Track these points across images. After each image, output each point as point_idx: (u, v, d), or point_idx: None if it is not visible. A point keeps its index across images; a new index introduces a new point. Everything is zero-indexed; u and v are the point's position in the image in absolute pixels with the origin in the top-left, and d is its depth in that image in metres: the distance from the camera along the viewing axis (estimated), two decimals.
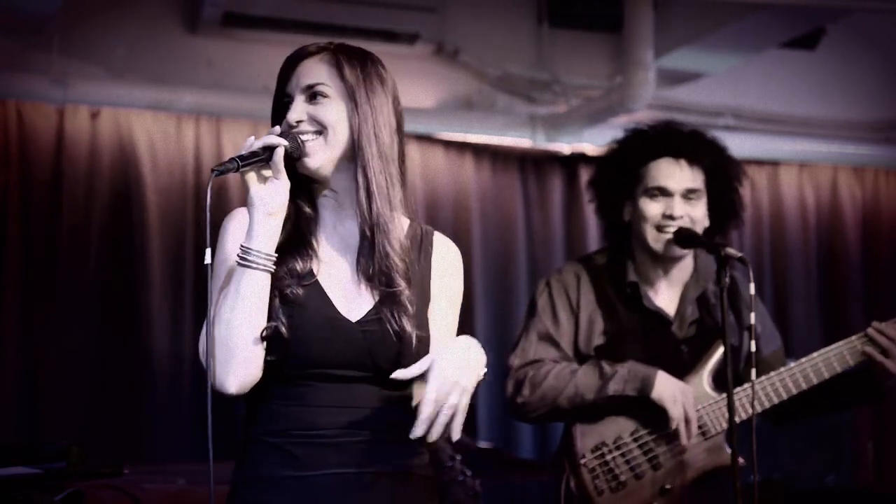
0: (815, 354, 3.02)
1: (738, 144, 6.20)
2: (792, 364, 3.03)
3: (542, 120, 5.87)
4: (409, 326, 2.01)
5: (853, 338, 3.02)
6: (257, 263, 1.95)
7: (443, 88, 5.88)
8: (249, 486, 2.03)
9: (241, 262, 1.95)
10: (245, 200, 1.99)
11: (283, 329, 1.96)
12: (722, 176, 3.12)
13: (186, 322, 5.23)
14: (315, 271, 2.03)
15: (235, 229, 2.04)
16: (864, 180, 6.63)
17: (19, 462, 2.76)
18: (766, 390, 2.99)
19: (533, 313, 3.14)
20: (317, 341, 1.97)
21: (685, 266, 3.13)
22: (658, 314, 3.08)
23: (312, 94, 2.04)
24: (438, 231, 2.21)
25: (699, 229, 3.06)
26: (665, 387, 2.92)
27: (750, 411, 2.92)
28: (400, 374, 1.91)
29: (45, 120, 5.18)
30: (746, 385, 2.96)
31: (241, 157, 1.94)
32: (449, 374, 1.88)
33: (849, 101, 6.47)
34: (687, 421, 2.91)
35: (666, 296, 3.12)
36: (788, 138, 6.36)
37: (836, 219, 6.54)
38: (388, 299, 2.02)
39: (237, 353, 1.93)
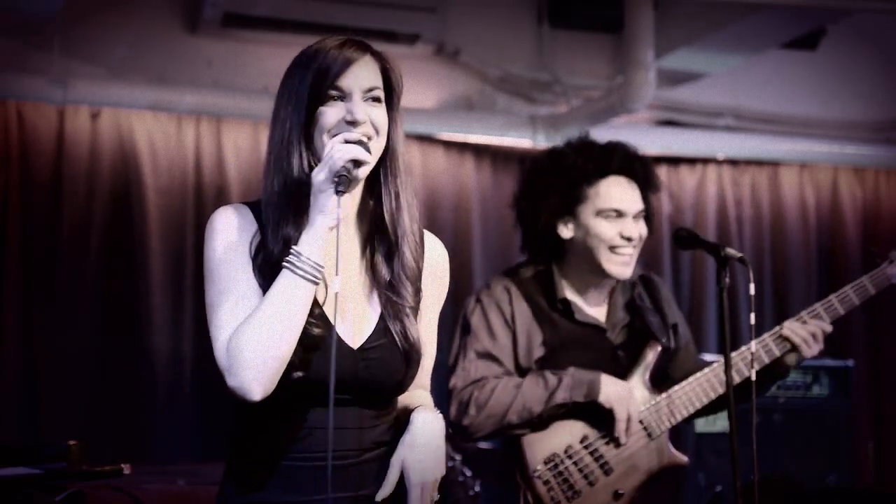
0: (742, 348, 3.10)
1: (739, 144, 6.29)
2: (715, 364, 3.10)
3: (542, 120, 5.87)
4: (415, 341, 2.01)
5: (767, 334, 3.12)
6: (311, 274, 1.90)
7: (443, 89, 5.88)
8: None
9: (294, 270, 1.89)
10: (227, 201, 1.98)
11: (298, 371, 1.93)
12: (652, 190, 3.21)
13: (186, 322, 5.23)
14: (320, 300, 1.98)
15: (225, 228, 2.00)
16: (865, 181, 6.63)
17: (20, 462, 2.76)
18: (703, 387, 3.07)
19: (467, 331, 3.11)
20: (320, 372, 1.93)
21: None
22: (592, 325, 3.13)
23: (372, 97, 2.00)
24: (437, 232, 2.21)
25: (641, 245, 3.14)
26: (611, 389, 2.97)
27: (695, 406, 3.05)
28: (380, 495, 2.00)
29: (46, 120, 5.18)
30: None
31: (348, 171, 1.89)
32: (425, 476, 1.99)
33: (849, 101, 6.47)
34: (629, 420, 2.97)
35: (597, 305, 3.17)
36: (789, 138, 6.36)
37: (836, 219, 6.54)
38: (393, 312, 2.01)
39: (274, 364, 1.88)
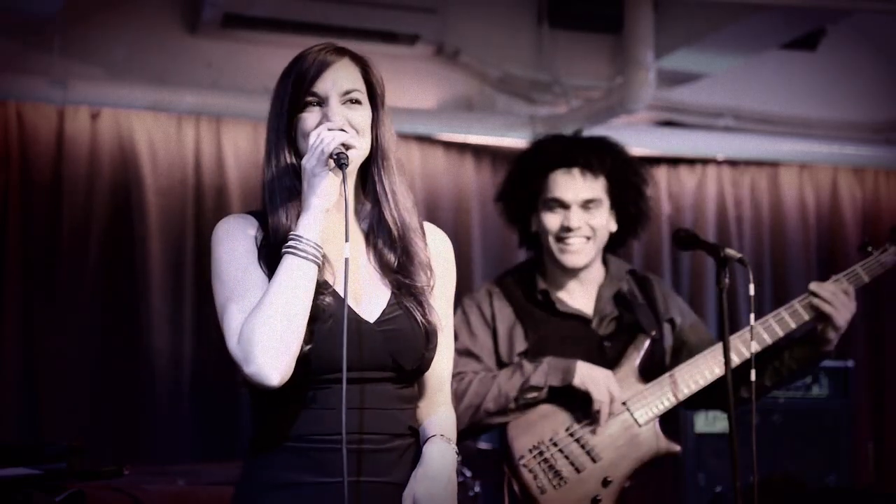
0: (768, 316, 3.05)
1: (739, 145, 6.29)
2: (706, 351, 3.06)
3: (542, 121, 5.87)
4: (430, 314, 2.06)
5: (795, 300, 3.05)
6: (311, 255, 1.96)
7: (443, 89, 5.88)
8: (265, 492, 2.02)
9: (296, 252, 1.95)
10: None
11: (309, 344, 1.97)
12: (622, 181, 3.17)
13: (186, 323, 5.22)
14: (330, 281, 2.04)
15: (229, 234, 2.04)
16: (865, 181, 6.63)
17: (20, 462, 2.76)
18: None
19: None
20: (340, 348, 1.95)
21: (595, 270, 3.20)
22: (576, 315, 3.14)
23: (350, 100, 2.06)
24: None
25: (602, 236, 3.13)
26: (586, 371, 2.97)
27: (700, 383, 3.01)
28: None
29: (46, 121, 5.18)
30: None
31: (340, 152, 1.97)
32: None
33: (849, 101, 6.47)
34: (611, 402, 2.96)
35: (581, 298, 3.18)
36: (789, 139, 6.36)
37: (836, 219, 6.54)
38: (405, 290, 2.06)
39: (292, 346, 1.93)
